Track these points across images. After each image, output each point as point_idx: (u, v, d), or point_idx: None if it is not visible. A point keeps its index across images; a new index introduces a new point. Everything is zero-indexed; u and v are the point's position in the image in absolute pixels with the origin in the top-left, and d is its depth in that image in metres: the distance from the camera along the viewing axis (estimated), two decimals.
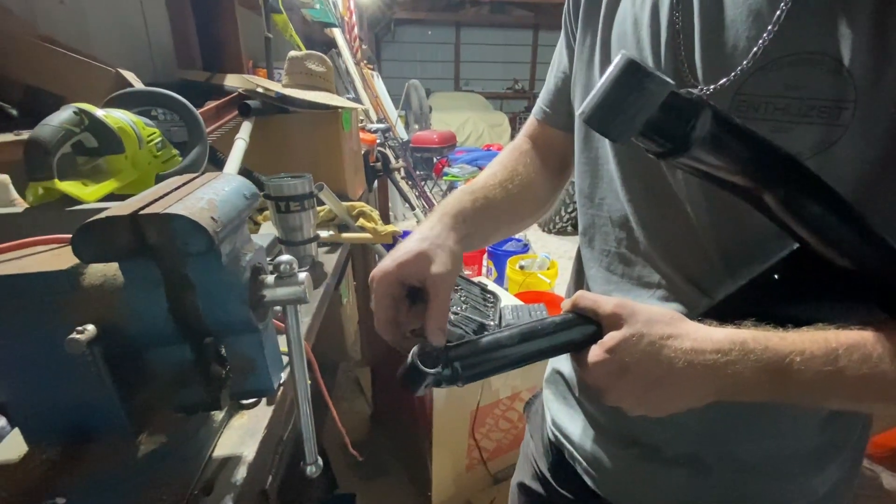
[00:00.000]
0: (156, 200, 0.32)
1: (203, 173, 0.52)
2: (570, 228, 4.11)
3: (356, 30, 4.14)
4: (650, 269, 0.46)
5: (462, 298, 1.91)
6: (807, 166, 0.31)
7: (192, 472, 0.39)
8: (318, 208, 1.05)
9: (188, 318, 0.35)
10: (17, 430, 0.38)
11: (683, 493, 0.50)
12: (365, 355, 2.07)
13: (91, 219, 0.29)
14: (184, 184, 0.36)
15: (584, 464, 0.57)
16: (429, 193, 3.14)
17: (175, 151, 0.79)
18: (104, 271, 0.35)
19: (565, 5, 0.53)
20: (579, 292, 0.39)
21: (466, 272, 1.90)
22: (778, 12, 0.33)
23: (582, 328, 0.38)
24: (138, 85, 0.98)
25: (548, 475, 0.65)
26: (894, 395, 0.33)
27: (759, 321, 0.35)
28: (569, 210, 4.02)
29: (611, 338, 0.35)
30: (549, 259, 2.70)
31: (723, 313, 0.37)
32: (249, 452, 0.42)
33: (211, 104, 1.15)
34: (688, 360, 0.34)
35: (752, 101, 0.34)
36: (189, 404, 0.38)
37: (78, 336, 0.31)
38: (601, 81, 0.31)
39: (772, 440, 0.46)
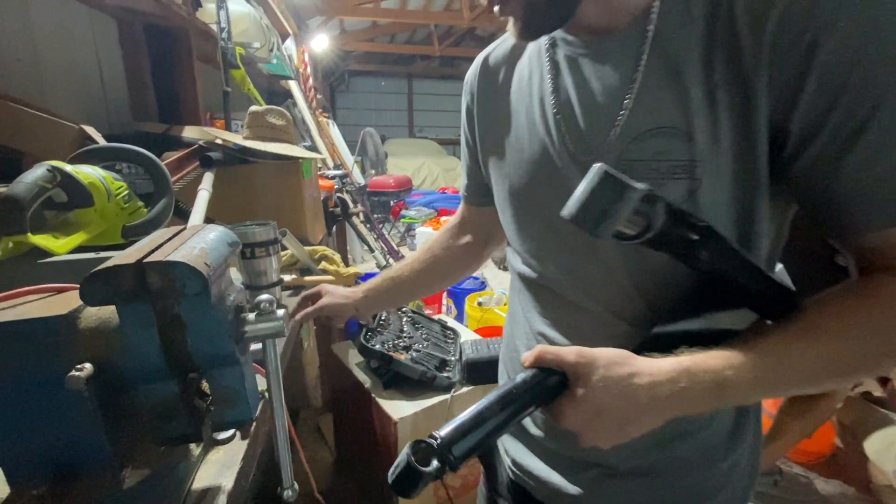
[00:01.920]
0: (154, 250, 0.36)
1: (171, 225, 0.56)
2: None
3: (311, 80, 4.29)
4: (583, 310, 0.53)
5: (423, 336, 1.98)
6: (719, 232, 0.39)
7: (176, 501, 0.41)
8: (281, 253, 1.09)
9: (177, 355, 0.39)
10: None
11: (642, 500, 0.55)
12: (326, 401, 2.03)
13: (98, 267, 0.34)
14: (174, 235, 0.41)
15: (552, 496, 0.60)
16: (387, 235, 3.21)
17: (140, 203, 0.82)
18: (98, 314, 0.38)
19: (462, 117, 0.68)
20: (539, 347, 0.43)
21: (427, 311, 1.95)
22: (626, 100, 0.44)
23: (549, 380, 0.41)
24: (100, 139, 1.01)
25: None
26: (810, 375, 0.40)
27: (690, 346, 0.42)
28: None
29: (581, 387, 0.39)
30: (505, 295, 2.81)
31: (658, 344, 0.43)
32: (228, 483, 0.45)
33: (172, 156, 1.18)
34: (650, 394, 0.39)
35: (632, 164, 0.44)
36: (174, 437, 0.41)
37: (78, 373, 0.35)
38: (583, 189, 0.37)
39: (704, 431, 0.53)
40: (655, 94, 0.43)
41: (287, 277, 1.08)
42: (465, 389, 1.40)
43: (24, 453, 0.38)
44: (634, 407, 0.39)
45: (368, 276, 2.39)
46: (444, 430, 0.38)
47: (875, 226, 0.39)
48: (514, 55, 0.58)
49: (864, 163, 0.37)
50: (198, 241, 0.39)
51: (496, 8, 0.45)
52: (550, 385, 0.41)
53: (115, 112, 1.65)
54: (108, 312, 0.38)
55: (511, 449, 0.66)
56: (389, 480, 0.36)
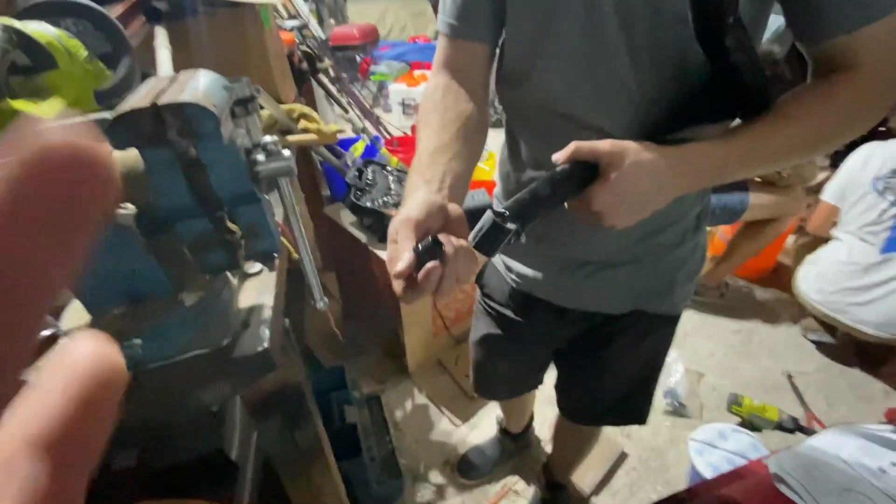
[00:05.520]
0: (160, 94, 0.39)
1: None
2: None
3: None
4: (593, 129, 0.57)
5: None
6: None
7: (230, 315, 0.51)
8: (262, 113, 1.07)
9: (203, 194, 0.44)
10: (72, 305, 0.48)
11: (628, 284, 0.71)
12: (325, 260, 2.16)
13: (119, 111, 0.36)
14: (171, 82, 0.42)
15: (554, 292, 0.76)
16: (359, 96, 3.03)
17: (102, 65, 0.78)
18: (123, 163, 0.42)
19: None
20: (574, 143, 0.47)
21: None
22: None
23: (584, 170, 0.47)
24: None
25: (515, 316, 0.84)
26: (784, 152, 0.50)
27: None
28: None
29: (614, 171, 0.46)
30: (486, 151, 2.81)
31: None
32: (269, 300, 0.54)
33: (111, 11, 1.06)
34: (672, 172, 0.48)
35: None
36: (214, 265, 0.48)
37: (124, 210, 0.40)
38: None
39: (680, 222, 0.67)
40: None
41: (269, 138, 1.08)
42: None
43: (95, 286, 0.45)
44: (658, 185, 0.48)
45: (348, 141, 2.34)
46: (509, 203, 0.44)
47: (845, 28, 0.46)
48: None
49: None
50: (197, 85, 0.41)
51: None
52: (584, 174, 0.47)
53: None
54: (132, 160, 0.42)
55: (513, 266, 0.80)
56: (473, 242, 0.43)
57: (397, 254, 0.42)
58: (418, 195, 0.46)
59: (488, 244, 0.44)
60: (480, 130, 0.60)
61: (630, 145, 0.47)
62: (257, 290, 0.57)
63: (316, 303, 0.54)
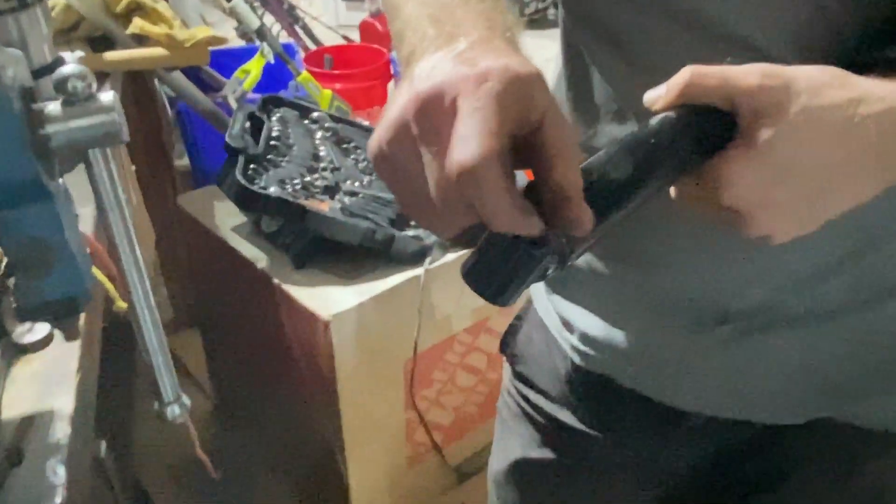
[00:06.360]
0: None
1: None
2: (551, 13, 4.22)
3: None
4: (743, 46, 0.58)
5: (360, 164, 2.08)
6: None
7: None
8: (48, 3, 1.07)
9: None
10: None
11: (812, 363, 0.69)
12: (180, 310, 2.15)
13: None
14: None
15: (658, 377, 0.75)
16: None
17: None
18: None
19: None
20: (689, 70, 0.47)
21: (360, 119, 1.98)
22: None
23: (706, 122, 0.47)
24: None
25: (581, 425, 0.84)
26: None
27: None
28: None
29: (767, 126, 0.45)
30: None
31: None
32: (65, 404, 0.54)
33: None
34: (881, 129, 0.47)
35: None
36: None
37: None
38: None
39: None
40: None
41: (69, 57, 1.08)
42: (450, 257, 1.52)
43: None
44: (857, 152, 0.48)
45: (231, 57, 2.36)
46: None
47: None
48: None
49: None
50: None
51: None
52: (708, 131, 0.48)
53: None
54: None
55: (577, 319, 0.80)
56: (467, 274, 0.43)
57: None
58: (496, 43, 0.44)
59: (500, 279, 0.43)
60: None
61: (800, 77, 0.47)
62: (41, 379, 0.56)
63: (164, 406, 0.54)
